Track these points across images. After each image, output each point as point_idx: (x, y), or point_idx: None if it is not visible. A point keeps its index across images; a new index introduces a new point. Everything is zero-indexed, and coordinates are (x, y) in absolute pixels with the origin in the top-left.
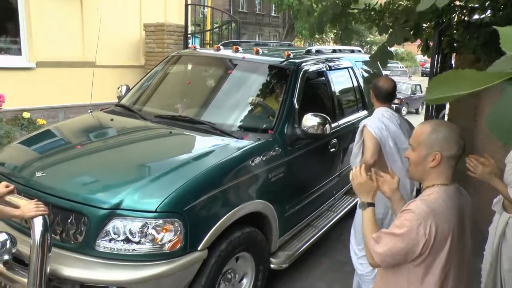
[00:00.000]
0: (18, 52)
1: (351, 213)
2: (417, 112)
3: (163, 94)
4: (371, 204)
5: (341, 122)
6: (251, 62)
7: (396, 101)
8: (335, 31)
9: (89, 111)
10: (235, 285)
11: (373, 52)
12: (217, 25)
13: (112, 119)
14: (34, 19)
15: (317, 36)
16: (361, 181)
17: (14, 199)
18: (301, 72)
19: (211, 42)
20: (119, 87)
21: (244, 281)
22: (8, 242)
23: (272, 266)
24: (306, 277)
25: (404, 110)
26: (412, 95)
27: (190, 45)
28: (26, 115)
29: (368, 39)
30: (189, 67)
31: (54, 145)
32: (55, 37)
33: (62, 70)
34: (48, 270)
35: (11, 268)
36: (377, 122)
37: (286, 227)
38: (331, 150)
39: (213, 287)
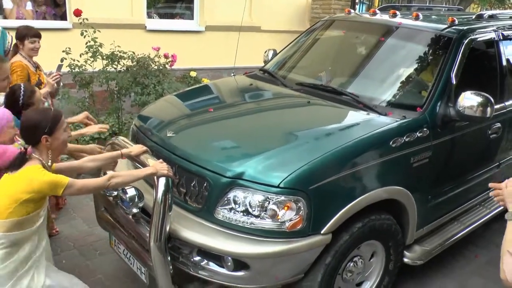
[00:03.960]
0: (191, 16)
1: None
2: None
3: (310, 61)
4: None
5: (508, 103)
6: (407, 29)
7: None
8: None
9: (232, 74)
10: (360, 275)
11: None
12: None
13: (251, 84)
14: None
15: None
16: None
17: (144, 159)
18: (466, 41)
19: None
20: (266, 51)
21: (372, 272)
22: (136, 196)
23: (405, 260)
24: (459, 270)
25: None
26: None
27: (357, 12)
28: (193, 74)
29: None
30: (340, 32)
31: (188, 106)
32: (224, 3)
33: (229, 34)
34: (167, 228)
35: (138, 221)
36: None
37: (426, 219)
38: (491, 136)
39: (334, 275)
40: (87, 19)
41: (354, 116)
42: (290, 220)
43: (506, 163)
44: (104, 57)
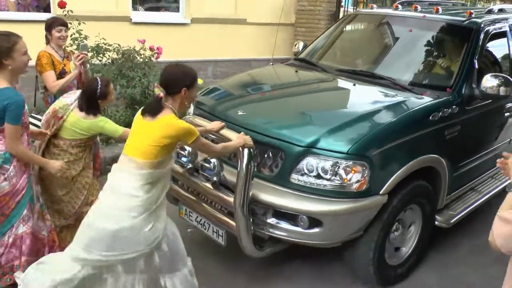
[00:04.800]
0: (177, 9)
1: None
2: None
3: (343, 50)
4: None
5: None
6: (432, 21)
7: None
8: None
9: (271, 63)
10: (403, 234)
11: None
12: None
13: (296, 71)
14: None
15: None
16: None
17: (227, 133)
18: (484, 32)
19: (365, 0)
20: (295, 43)
21: (411, 230)
22: (218, 166)
23: (436, 223)
24: (440, 260)
25: None
26: None
27: (343, 4)
28: None
29: None
30: (367, 25)
31: (246, 89)
32: None
33: (215, 26)
34: (250, 194)
35: (217, 188)
36: None
37: (454, 186)
38: (506, 114)
39: (388, 231)
40: (71, 11)
41: (397, 95)
42: (357, 182)
43: None
44: (89, 50)
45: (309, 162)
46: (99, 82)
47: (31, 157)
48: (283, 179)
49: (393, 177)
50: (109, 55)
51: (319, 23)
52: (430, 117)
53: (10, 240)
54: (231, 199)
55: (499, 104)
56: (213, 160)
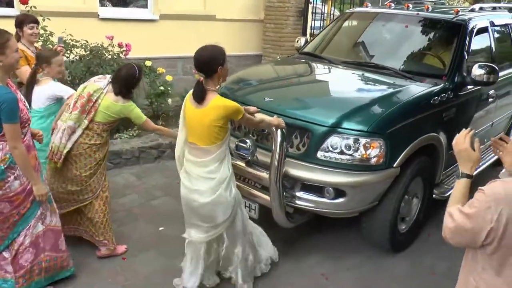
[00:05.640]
0: (145, 5)
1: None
2: None
3: (342, 45)
4: (469, 176)
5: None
6: (425, 18)
7: None
8: None
9: (278, 57)
10: (409, 204)
11: None
12: None
13: (306, 62)
14: None
15: None
16: (461, 148)
17: (262, 116)
18: (471, 27)
19: None
20: (297, 39)
21: (414, 201)
22: (252, 146)
23: (434, 196)
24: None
25: None
26: None
27: (311, 0)
28: (148, 63)
29: None
30: (364, 22)
31: (267, 78)
32: None
33: (184, 22)
34: (283, 170)
35: (251, 166)
36: None
37: (449, 163)
38: (489, 100)
39: (400, 202)
40: (35, 7)
41: (401, 83)
42: (375, 156)
43: (496, 123)
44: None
45: (333, 140)
46: (136, 68)
47: (27, 165)
48: (310, 156)
49: (404, 152)
50: (76, 52)
51: (288, 19)
52: (431, 101)
53: (27, 240)
54: (264, 175)
55: (484, 91)
56: (248, 141)
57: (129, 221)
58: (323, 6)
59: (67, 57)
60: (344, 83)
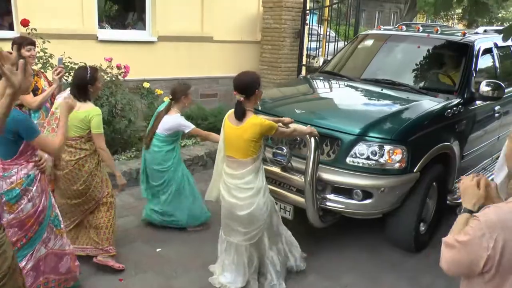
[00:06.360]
0: (143, 27)
1: None
2: None
3: (359, 64)
4: (470, 212)
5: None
6: (435, 39)
7: None
8: (463, 6)
9: (301, 77)
10: (428, 207)
11: (506, 26)
12: (336, 1)
13: (328, 80)
14: None
15: (442, 13)
16: (467, 185)
17: (296, 126)
18: (477, 47)
19: (329, 18)
20: (316, 59)
21: (429, 204)
22: (288, 153)
23: (448, 201)
24: (411, 267)
25: None
26: None
27: (307, 22)
28: (146, 85)
29: (500, 15)
30: (378, 43)
31: (293, 93)
32: (176, 14)
33: (181, 44)
34: (317, 174)
35: (286, 171)
36: None
37: (460, 172)
38: (495, 115)
39: (423, 202)
40: (35, 29)
41: (417, 97)
42: (398, 161)
43: (502, 137)
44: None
45: (361, 147)
46: (88, 68)
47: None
48: (340, 162)
49: (423, 158)
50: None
51: (285, 40)
52: (445, 114)
53: (29, 264)
54: (299, 179)
55: (491, 107)
56: (284, 148)
57: (127, 242)
58: (319, 27)
59: (66, 80)
60: (366, 97)
